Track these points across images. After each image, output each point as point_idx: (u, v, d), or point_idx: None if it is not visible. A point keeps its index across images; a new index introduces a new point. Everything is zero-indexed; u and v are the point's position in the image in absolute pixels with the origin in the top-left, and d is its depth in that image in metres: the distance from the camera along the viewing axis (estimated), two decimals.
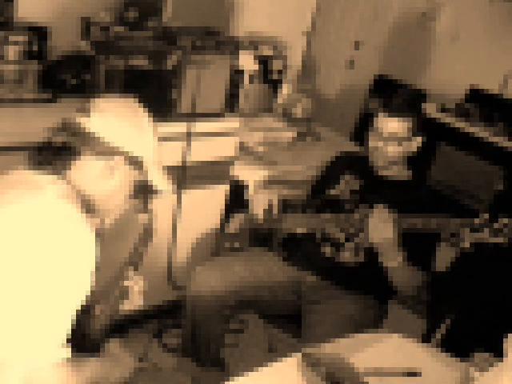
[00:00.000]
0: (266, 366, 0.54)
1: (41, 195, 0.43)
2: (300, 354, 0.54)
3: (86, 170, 0.47)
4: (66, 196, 0.44)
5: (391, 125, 0.74)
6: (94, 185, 0.47)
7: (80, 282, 0.43)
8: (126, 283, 0.52)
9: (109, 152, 0.46)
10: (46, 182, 0.45)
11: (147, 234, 0.53)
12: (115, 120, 0.47)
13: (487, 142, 1.23)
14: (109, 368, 0.51)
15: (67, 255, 0.42)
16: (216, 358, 0.85)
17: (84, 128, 0.46)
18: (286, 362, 0.54)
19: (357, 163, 0.82)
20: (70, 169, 0.46)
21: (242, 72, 1.08)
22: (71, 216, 0.43)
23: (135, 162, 0.48)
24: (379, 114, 0.75)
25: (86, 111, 0.47)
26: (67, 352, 0.43)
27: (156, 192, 0.50)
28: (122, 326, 0.88)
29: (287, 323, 0.82)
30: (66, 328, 0.43)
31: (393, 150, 0.74)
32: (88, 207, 0.46)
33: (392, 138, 0.74)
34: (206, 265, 0.80)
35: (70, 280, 0.42)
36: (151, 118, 0.49)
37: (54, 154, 0.46)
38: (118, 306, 0.52)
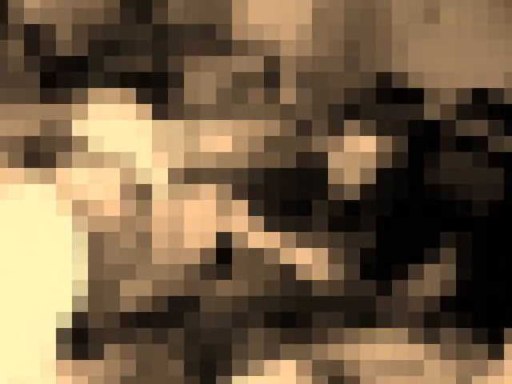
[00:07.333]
0: (267, 366, 0.54)
1: (25, 195, 0.43)
2: (301, 353, 0.54)
3: (75, 173, 0.46)
4: (53, 197, 0.44)
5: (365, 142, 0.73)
6: (84, 187, 0.47)
7: (64, 285, 0.42)
8: (124, 284, 0.52)
9: (100, 156, 0.46)
10: (31, 181, 0.44)
11: (146, 234, 0.53)
12: (112, 125, 0.46)
13: (488, 142, 1.22)
14: (109, 369, 0.50)
15: (50, 257, 0.42)
16: (216, 357, 0.85)
17: (78, 131, 0.46)
18: (287, 362, 0.54)
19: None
20: (58, 169, 0.46)
21: (242, 72, 1.08)
22: (55, 218, 0.43)
23: (129, 168, 0.47)
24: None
25: (81, 115, 0.46)
26: (66, 355, 0.43)
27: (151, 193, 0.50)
28: (122, 327, 0.87)
29: (288, 323, 0.82)
30: (52, 334, 0.42)
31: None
32: (78, 210, 0.46)
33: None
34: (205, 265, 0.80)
35: (53, 282, 0.42)
36: (150, 119, 0.49)
37: (42, 155, 0.46)
38: (117, 308, 0.52)
